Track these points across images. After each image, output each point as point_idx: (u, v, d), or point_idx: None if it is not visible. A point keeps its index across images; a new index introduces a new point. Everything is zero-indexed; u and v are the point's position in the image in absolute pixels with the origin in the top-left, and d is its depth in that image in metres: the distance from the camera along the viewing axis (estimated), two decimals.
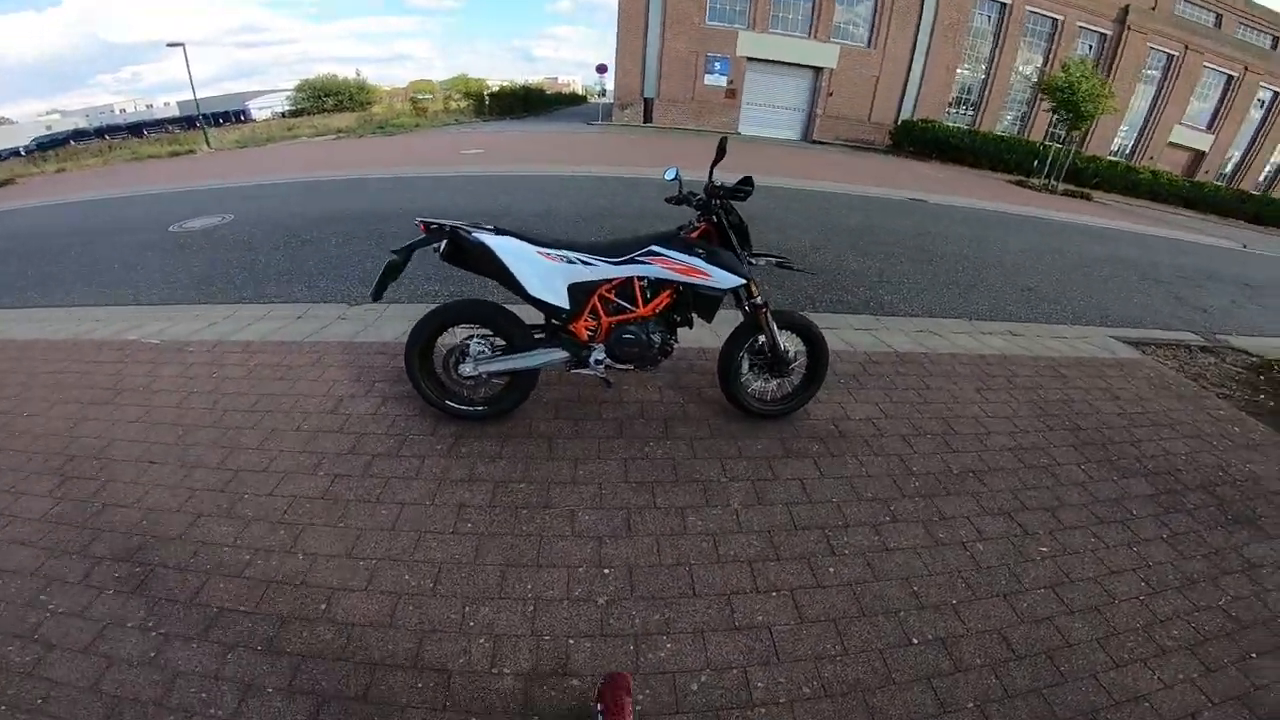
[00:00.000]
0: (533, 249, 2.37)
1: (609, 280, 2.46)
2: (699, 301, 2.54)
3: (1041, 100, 22.34)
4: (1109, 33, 27.48)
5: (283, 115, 44.07)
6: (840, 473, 2.55)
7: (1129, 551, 2.28)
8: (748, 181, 2.44)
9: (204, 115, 38.07)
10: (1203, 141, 31.40)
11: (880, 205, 10.41)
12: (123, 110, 56.90)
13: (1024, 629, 1.89)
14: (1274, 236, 17.63)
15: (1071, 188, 18.67)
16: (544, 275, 2.39)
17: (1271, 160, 33.41)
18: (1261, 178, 33.08)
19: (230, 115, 44.89)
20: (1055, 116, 19.91)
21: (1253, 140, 32.45)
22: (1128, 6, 26.82)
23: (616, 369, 2.61)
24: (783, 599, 1.91)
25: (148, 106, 55.72)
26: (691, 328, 2.69)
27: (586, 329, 2.54)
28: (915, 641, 1.80)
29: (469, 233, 2.33)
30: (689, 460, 2.57)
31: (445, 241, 2.35)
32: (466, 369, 2.56)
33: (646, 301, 2.52)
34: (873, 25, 25.50)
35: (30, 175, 17.27)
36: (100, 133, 35.32)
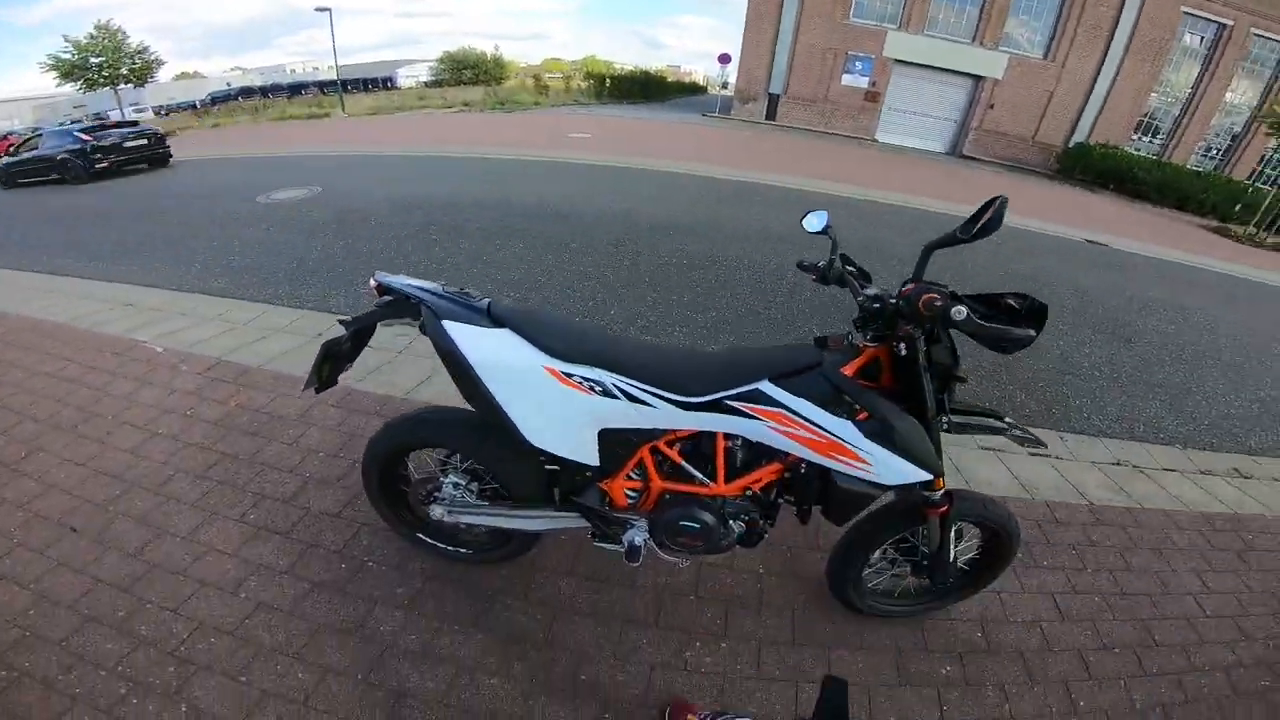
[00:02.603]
0: (540, 360, 1.33)
1: (671, 431, 1.42)
2: (833, 496, 1.40)
3: (1256, 134, 18.47)
4: None
5: (425, 84, 46.50)
6: (976, 714, 1.66)
7: None
8: (1030, 309, 1.14)
9: (356, 80, 41.14)
10: None
11: (1052, 247, 8.47)
12: (293, 70, 62.57)
13: None
14: None
15: None
16: (557, 411, 1.36)
17: None
18: None
19: (379, 81, 48.01)
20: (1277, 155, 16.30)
21: None
22: None
23: (662, 557, 1.60)
24: None
25: (315, 69, 60.78)
26: (805, 524, 1.56)
27: (626, 491, 1.52)
28: None
29: (437, 316, 1.36)
30: (749, 682, 1.65)
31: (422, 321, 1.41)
32: (436, 511, 1.68)
33: (733, 474, 1.45)
34: (1053, 36, 22.10)
35: (191, 129, 18.80)
36: (265, 91, 38.60)
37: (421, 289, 1.41)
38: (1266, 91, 22.68)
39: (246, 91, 37.87)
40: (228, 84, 46.56)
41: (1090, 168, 20.65)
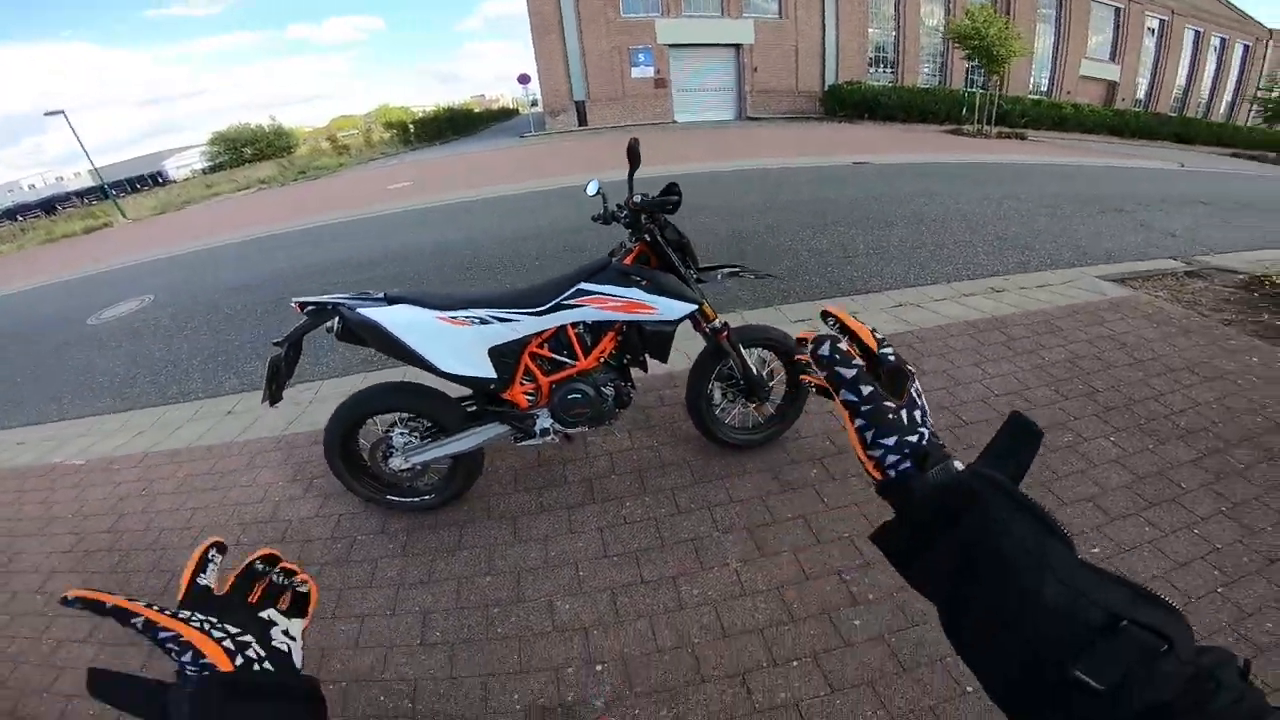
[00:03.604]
0: (432, 315, 1.98)
1: (537, 334, 2.11)
2: (649, 340, 2.21)
3: (955, 49, 22.79)
4: None
5: (203, 171, 42.32)
6: (847, 498, 2.27)
7: (1190, 535, 2.01)
8: (672, 189, 2.11)
9: (119, 181, 36.41)
10: (1111, 72, 32.89)
11: (826, 174, 10.29)
12: (32, 186, 53.52)
13: None
14: (1200, 153, 18.32)
15: (1004, 129, 19.01)
16: (455, 345, 2.02)
17: (1177, 83, 35.48)
18: (1173, 100, 34.93)
19: (147, 179, 42.79)
20: (971, 64, 20.28)
21: (1155, 66, 34.52)
22: None
23: (569, 434, 2.32)
24: (806, 668, 1.68)
25: (58, 179, 52.40)
26: (646, 371, 2.40)
27: (524, 394, 2.19)
28: (971, 690, 1.57)
29: (352, 309, 1.95)
30: (673, 518, 2.27)
31: (337, 320, 1.97)
32: (396, 462, 2.26)
33: (587, 351, 2.19)
34: None
35: None
36: (11, 214, 33.31)
37: (334, 297, 1.99)
38: (946, 11, 27.85)
39: None
40: None
41: (846, 104, 24.17)
